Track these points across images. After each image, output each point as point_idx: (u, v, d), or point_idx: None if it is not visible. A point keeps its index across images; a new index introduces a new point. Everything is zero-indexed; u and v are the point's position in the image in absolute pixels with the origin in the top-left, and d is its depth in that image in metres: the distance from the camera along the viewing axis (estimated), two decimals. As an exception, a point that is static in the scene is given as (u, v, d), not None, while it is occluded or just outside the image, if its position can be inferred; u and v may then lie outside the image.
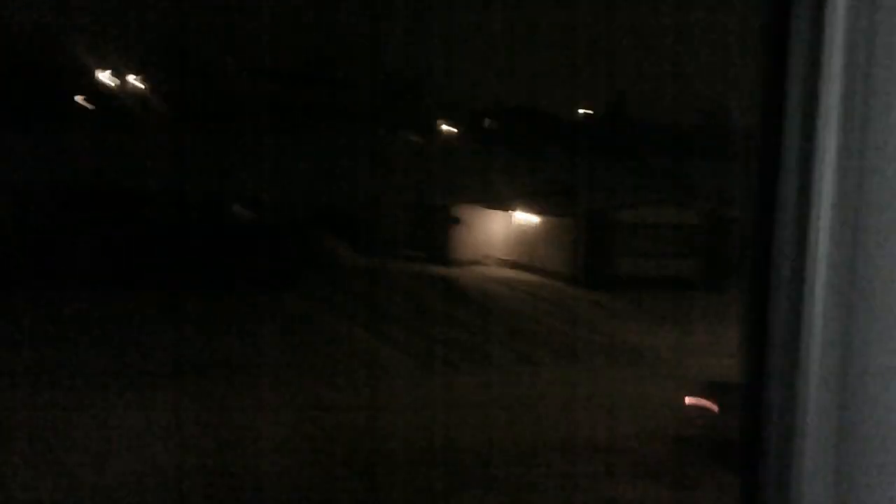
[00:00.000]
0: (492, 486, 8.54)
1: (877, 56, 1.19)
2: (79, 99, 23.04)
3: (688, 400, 10.31)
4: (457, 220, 22.92)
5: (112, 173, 18.64)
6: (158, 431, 9.86)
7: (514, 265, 22.70)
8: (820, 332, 1.27)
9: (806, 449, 1.32)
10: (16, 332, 13.10)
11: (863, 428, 1.23)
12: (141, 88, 24.02)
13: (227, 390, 11.45)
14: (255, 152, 19.47)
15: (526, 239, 23.39)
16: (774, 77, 1.37)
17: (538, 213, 23.29)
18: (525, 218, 23.56)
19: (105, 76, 24.10)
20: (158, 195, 18.57)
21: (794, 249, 1.32)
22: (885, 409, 1.20)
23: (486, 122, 28.98)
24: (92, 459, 9.05)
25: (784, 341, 1.35)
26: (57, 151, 18.29)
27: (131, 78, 24.14)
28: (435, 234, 22.49)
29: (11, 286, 14.80)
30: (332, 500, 8.60)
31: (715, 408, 9.40)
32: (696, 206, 21.77)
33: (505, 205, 23.50)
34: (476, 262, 22.66)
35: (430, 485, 8.58)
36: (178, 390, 11.18)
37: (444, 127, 27.22)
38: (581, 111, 29.97)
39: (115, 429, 9.90)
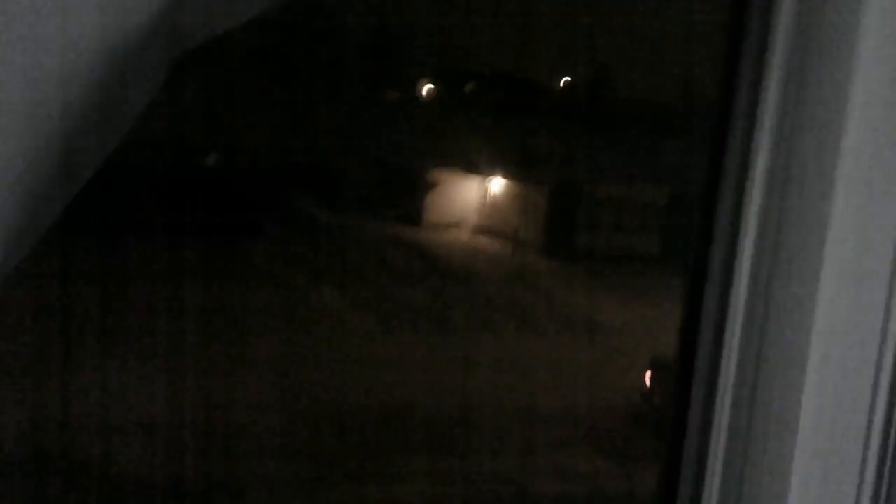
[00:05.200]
0: (432, 448, 8.66)
1: (810, 62, 1.25)
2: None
3: (647, 375, 10.45)
4: (433, 183, 22.85)
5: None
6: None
7: (486, 232, 22.71)
8: (742, 319, 1.30)
9: (721, 438, 1.36)
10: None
11: (766, 422, 1.27)
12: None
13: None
14: (233, 103, 19.26)
15: (500, 206, 23.38)
16: (728, 69, 1.40)
17: (514, 180, 23.28)
18: (501, 185, 23.54)
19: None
20: (141, 143, 18.40)
21: (727, 236, 1.34)
22: (787, 403, 1.24)
23: (469, 84, 28.76)
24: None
25: (712, 323, 1.38)
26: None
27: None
28: (409, 195, 22.39)
29: None
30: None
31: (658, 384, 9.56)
32: (669, 185, 21.92)
33: (482, 170, 23.46)
34: (448, 227, 22.62)
35: (378, 444, 8.68)
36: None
37: (426, 87, 26.99)
38: (564, 81, 29.84)
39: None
